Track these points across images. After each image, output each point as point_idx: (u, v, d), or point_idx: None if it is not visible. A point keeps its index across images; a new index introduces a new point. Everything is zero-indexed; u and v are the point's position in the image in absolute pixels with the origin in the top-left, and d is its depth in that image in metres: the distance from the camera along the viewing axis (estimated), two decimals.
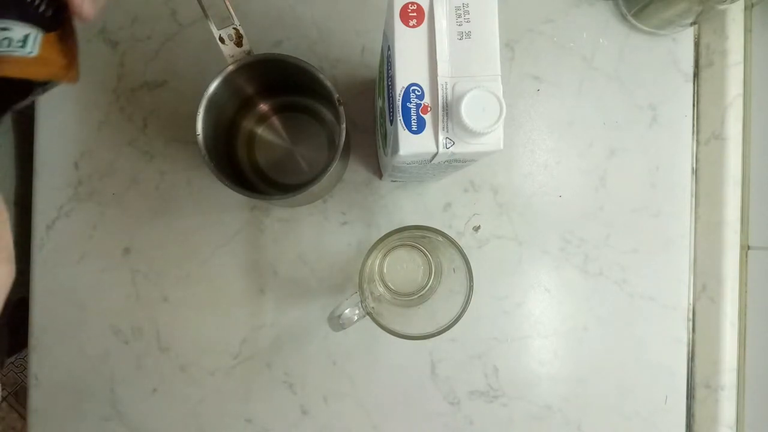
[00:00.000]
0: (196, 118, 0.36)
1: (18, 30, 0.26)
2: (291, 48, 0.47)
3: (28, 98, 0.28)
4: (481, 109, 0.27)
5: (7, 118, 0.46)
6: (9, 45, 0.26)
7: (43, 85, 0.29)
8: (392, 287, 0.47)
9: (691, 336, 0.47)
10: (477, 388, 0.47)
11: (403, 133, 0.28)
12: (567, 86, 0.47)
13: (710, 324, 0.46)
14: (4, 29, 0.26)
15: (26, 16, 0.26)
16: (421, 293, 0.46)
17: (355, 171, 0.47)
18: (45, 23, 0.26)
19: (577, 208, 0.47)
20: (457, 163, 0.31)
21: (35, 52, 0.26)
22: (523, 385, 0.47)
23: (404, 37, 0.28)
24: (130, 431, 0.46)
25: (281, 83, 0.42)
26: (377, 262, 0.47)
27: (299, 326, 0.46)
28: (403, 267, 0.47)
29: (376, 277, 0.47)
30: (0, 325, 0.55)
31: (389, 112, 0.30)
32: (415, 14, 0.28)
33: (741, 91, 0.45)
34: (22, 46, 0.26)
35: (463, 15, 0.28)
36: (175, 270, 0.47)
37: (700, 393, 0.47)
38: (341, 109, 0.36)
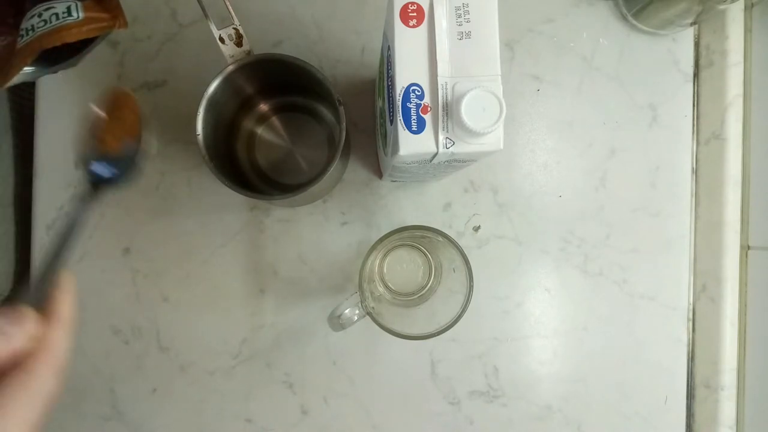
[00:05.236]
0: (196, 118, 0.36)
1: (60, 5, 0.32)
2: (291, 48, 0.47)
3: (92, 45, 0.35)
4: (481, 109, 0.27)
5: (6, 118, 0.46)
6: (59, 18, 0.32)
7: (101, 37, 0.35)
8: (392, 287, 0.47)
9: (691, 336, 0.47)
10: (477, 388, 0.46)
11: (403, 133, 0.28)
12: (567, 86, 0.47)
13: (710, 324, 0.46)
14: (50, 8, 0.32)
15: None
16: (421, 293, 0.46)
17: (355, 171, 0.47)
18: None
19: (577, 208, 0.47)
20: (457, 163, 0.31)
21: (81, 16, 0.32)
22: (523, 385, 0.47)
23: (404, 37, 0.28)
24: (130, 431, 0.46)
25: (281, 83, 0.42)
26: (377, 262, 0.47)
27: (299, 326, 0.46)
28: (403, 267, 0.47)
29: (376, 277, 0.47)
30: None
31: (389, 112, 0.30)
32: (415, 14, 0.28)
33: (741, 91, 0.45)
34: (69, 15, 0.32)
35: (463, 15, 0.28)
36: (175, 270, 0.47)
37: (700, 393, 0.47)
38: (341, 109, 0.36)
